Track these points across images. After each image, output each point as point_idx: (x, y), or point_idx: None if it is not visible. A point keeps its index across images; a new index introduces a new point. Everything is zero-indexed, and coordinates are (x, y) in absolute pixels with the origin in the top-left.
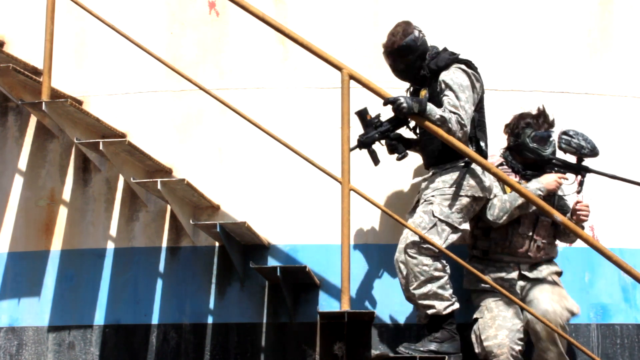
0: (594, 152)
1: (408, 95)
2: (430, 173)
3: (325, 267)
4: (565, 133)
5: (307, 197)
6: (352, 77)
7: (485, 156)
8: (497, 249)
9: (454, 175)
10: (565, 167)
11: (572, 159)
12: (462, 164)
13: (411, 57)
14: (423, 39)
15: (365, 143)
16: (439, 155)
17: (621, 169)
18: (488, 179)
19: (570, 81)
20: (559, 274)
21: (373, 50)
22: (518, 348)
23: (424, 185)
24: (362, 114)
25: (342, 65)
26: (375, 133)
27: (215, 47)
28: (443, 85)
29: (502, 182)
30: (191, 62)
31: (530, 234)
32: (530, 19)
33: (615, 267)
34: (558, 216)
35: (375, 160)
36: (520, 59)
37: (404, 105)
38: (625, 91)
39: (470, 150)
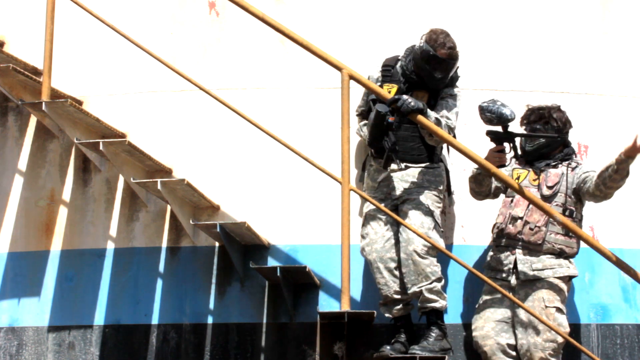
0: (501, 119)
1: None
2: (403, 166)
3: (325, 267)
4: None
5: (307, 197)
6: (352, 77)
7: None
8: (499, 232)
9: (437, 178)
10: (496, 138)
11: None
12: (437, 166)
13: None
14: None
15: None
16: (418, 153)
17: None
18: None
19: (570, 81)
20: (568, 278)
21: (373, 50)
22: (505, 342)
23: (395, 177)
24: (384, 117)
25: (342, 65)
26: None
27: (215, 47)
28: (447, 95)
29: (498, 179)
30: (191, 62)
31: (522, 215)
32: (530, 19)
33: (616, 267)
34: (558, 216)
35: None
36: (521, 59)
37: (411, 102)
38: (625, 91)
39: (464, 146)
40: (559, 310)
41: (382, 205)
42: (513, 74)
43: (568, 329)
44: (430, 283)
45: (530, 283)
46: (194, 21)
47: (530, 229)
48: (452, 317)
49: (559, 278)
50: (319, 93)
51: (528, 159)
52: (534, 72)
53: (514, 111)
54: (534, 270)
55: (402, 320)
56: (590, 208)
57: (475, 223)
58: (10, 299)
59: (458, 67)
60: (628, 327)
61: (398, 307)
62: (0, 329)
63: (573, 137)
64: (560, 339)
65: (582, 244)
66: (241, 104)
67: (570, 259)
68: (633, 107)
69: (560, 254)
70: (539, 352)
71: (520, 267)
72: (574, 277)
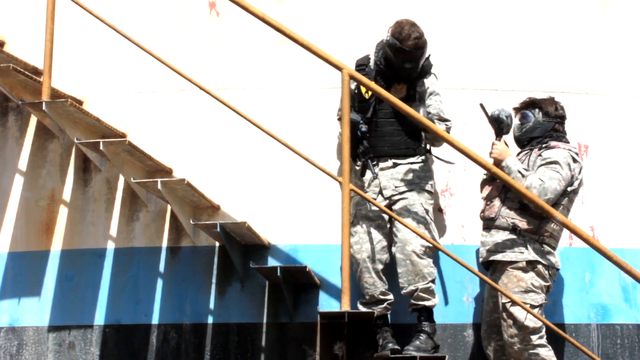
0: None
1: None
2: (391, 163)
3: (326, 267)
4: None
5: (307, 197)
6: (352, 77)
7: None
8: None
9: (427, 173)
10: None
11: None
12: (425, 159)
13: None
14: None
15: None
16: (406, 147)
17: (621, 168)
18: None
19: (570, 81)
20: (525, 263)
21: (372, 50)
22: (493, 344)
23: (385, 175)
24: (357, 126)
25: (342, 65)
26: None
27: (215, 47)
28: (431, 90)
29: (495, 175)
30: (191, 62)
31: (485, 195)
32: (530, 19)
33: (616, 267)
34: (558, 216)
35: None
36: (521, 58)
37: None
38: (625, 91)
39: (457, 141)
40: (513, 304)
41: (382, 206)
42: (513, 74)
43: (533, 324)
44: (427, 283)
45: (493, 270)
46: (194, 21)
47: (487, 203)
48: (452, 317)
49: (513, 266)
50: (319, 93)
51: (519, 145)
52: (534, 72)
53: (501, 116)
54: (488, 251)
55: (382, 320)
56: (590, 208)
57: (476, 223)
58: (10, 298)
59: (429, 55)
60: (628, 327)
61: (381, 306)
62: (0, 329)
63: (573, 137)
64: (519, 331)
65: (582, 243)
66: (241, 104)
67: (538, 243)
68: (633, 107)
69: (513, 230)
70: (509, 348)
71: (480, 249)
72: (538, 262)
